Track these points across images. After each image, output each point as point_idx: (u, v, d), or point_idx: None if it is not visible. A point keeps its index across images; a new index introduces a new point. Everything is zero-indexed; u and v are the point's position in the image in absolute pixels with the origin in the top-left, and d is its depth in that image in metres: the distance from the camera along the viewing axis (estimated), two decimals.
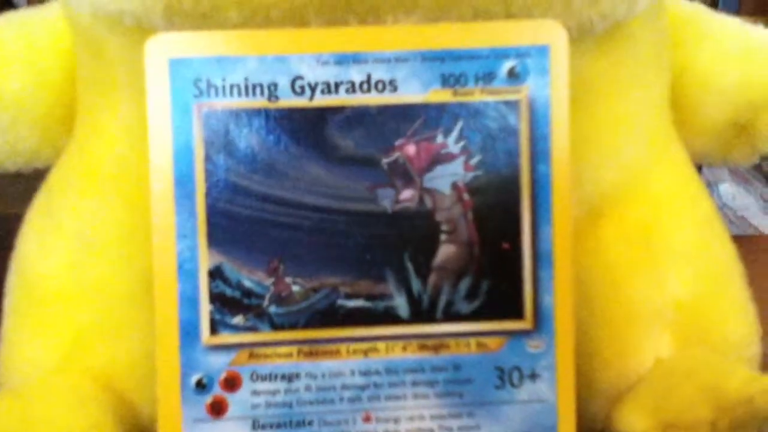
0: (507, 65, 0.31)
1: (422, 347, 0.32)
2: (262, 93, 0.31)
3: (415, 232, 0.32)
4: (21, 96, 0.36)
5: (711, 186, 0.98)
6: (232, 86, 0.31)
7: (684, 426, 0.31)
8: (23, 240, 0.36)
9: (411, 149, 0.31)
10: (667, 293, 0.35)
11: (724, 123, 0.39)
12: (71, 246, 0.35)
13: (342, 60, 0.31)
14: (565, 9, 0.30)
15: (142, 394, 0.34)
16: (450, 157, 0.32)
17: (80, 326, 0.34)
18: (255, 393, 0.32)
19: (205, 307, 0.32)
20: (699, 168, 0.41)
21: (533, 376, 0.32)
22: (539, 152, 0.32)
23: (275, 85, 0.31)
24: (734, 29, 0.40)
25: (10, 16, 0.38)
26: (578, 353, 0.32)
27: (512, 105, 0.32)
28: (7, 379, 0.35)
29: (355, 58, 0.31)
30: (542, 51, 0.31)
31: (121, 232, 0.34)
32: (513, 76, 0.31)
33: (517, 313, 0.32)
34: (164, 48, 0.31)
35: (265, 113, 0.31)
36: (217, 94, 0.31)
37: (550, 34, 0.31)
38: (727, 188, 0.97)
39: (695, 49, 0.39)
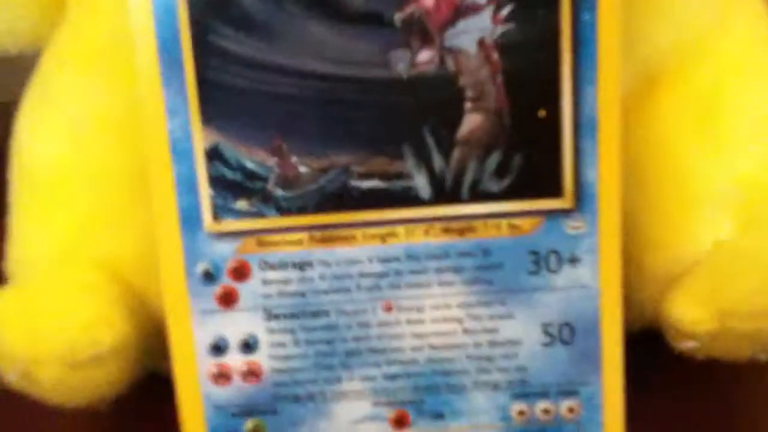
0: None
1: (446, 231, 0.26)
2: None
3: (435, 100, 0.25)
4: None
5: None
6: None
7: (744, 315, 0.26)
8: (20, 127, 0.32)
9: (429, 1, 0.25)
10: (730, 170, 0.29)
11: None
12: (69, 129, 0.31)
13: None
14: None
15: (150, 285, 0.29)
16: (475, 9, 0.25)
17: (83, 214, 0.30)
18: (266, 282, 0.27)
19: (205, 191, 0.26)
20: None
21: (573, 260, 0.26)
22: None
23: None
24: None
25: None
26: (626, 235, 0.26)
27: None
28: (15, 273, 0.32)
29: None
30: None
31: (119, 112, 0.29)
32: None
33: (555, 191, 0.26)
34: None
35: None
36: None
37: None
38: None
39: None
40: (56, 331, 0.27)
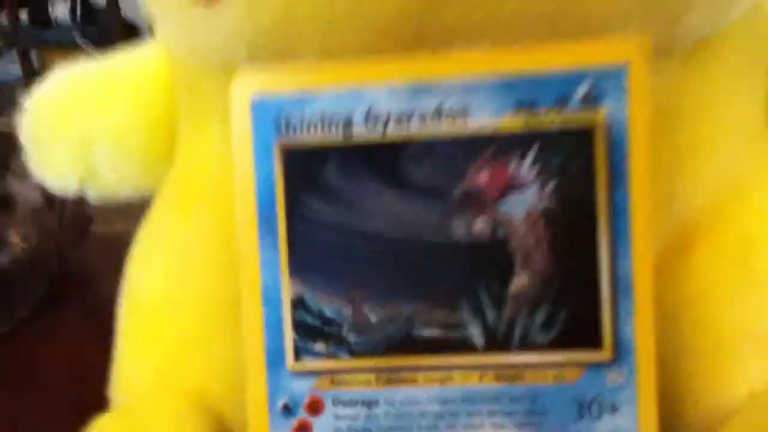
0: (582, 88, 0.28)
1: (499, 377, 0.29)
2: (337, 127, 0.30)
3: (489, 262, 0.29)
4: (128, 130, 0.37)
5: None
6: (309, 122, 0.30)
7: None
8: (131, 262, 0.37)
9: (483, 178, 0.29)
10: (764, 319, 0.30)
11: None
12: (171, 265, 0.35)
13: (414, 90, 0.29)
14: (647, 22, 0.27)
15: (232, 414, 0.33)
16: (524, 185, 0.29)
17: (179, 345, 0.34)
18: (337, 417, 0.31)
19: (288, 334, 0.30)
20: None
21: (614, 409, 0.29)
22: (617, 178, 0.28)
23: (350, 119, 0.30)
24: None
25: (117, 56, 0.39)
26: (663, 385, 0.28)
27: (587, 130, 0.28)
28: (117, 397, 0.35)
29: (427, 87, 0.29)
30: (620, 71, 0.28)
31: (217, 252, 0.34)
32: (588, 99, 0.28)
33: (596, 344, 0.29)
34: (247, 88, 0.30)
35: (341, 149, 0.30)
36: (296, 130, 0.30)
37: (630, 51, 0.28)
38: None
39: None
40: None
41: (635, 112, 0.28)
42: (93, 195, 0.39)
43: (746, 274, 0.31)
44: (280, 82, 0.30)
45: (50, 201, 0.52)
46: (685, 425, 0.31)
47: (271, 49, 0.30)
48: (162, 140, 0.37)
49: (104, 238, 0.44)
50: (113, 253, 0.38)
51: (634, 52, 0.27)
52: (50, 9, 1.31)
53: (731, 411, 0.30)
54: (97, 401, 0.35)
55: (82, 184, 0.39)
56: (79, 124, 0.37)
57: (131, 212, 0.38)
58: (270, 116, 0.30)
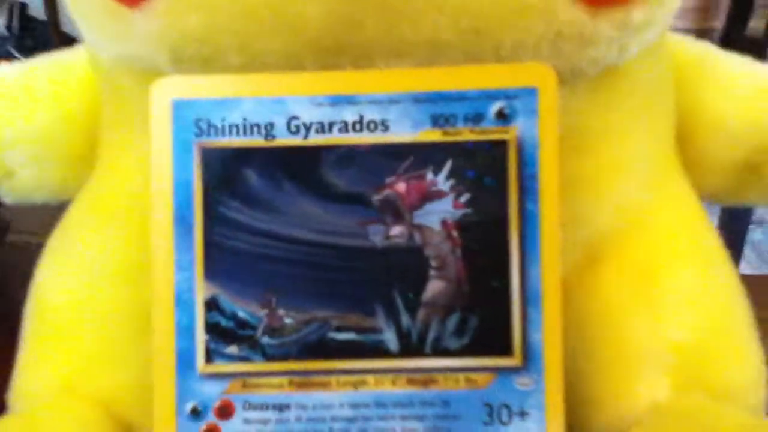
0: (495, 106, 0.30)
1: (411, 381, 0.31)
2: (259, 132, 0.30)
3: (404, 268, 0.31)
4: (47, 131, 0.37)
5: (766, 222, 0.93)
6: (231, 126, 0.30)
7: None
8: (40, 270, 0.36)
9: (401, 187, 0.30)
10: (665, 337, 0.32)
11: (735, 164, 0.37)
12: (83, 272, 0.35)
13: (336, 101, 0.30)
14: (553, 53, 0.29)
15: (142, 420, 0.33)
16: (440, 195, 0.31)
17: (86, 353, 0.34)
18: (247, 421, 0.31)
19: (200, 337, 0.31)
20: None
21: (522, 414, 0.30)
22: (527, 191, 0.30)
23: (272, 125, 0.30)
24: (743, 69, 0.37)
25: (41, 58, 0.38)
26: (572, 395, 0.30)
27: (500, 145, 0.30)
28: (16, 403, 0.35)
29: (349, 100, 0.30)
30: (530, 93, 0.30)
31: (129, 265, 0.34)
32: (501, 117, 0.30)
33: (506, 350, 0.30)
34: (168, 90, 0.30)
35: (262, 152, 0.30)
36: (216, 133, 0.30)
37: (539, 76, 0.30)
38: None
39: (702, 90, 0.36)
40: None
41: (545, 130, 0.30)
42: (9, 197, 0.39)
43: (647, 294, 0.33)
44: (202, 89, 0.31)
45: None
46: (593, 430, 0.32)
47: (194, 56, 0.30)
48: (81, 144, 0.37)
49: (17, 244, 0.43)
50: (26, 259, 0.37)
51: (543, 76, 0.30)
52: None
53: (635, 421, 0.32)
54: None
55: None
56: None
57: (47, 220, 0.38)
58: (190, 117, 0.31)
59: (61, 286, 0.35)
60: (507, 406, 0.30)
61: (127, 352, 0.33)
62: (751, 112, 0.35)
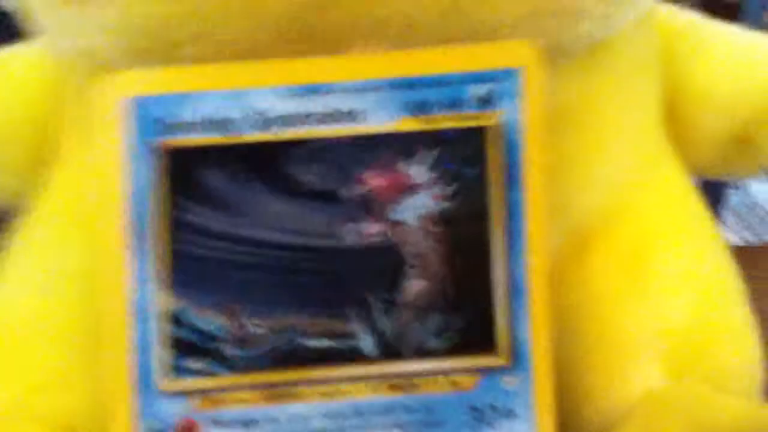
0: (475, 90, 0.29)
1: (391, 387, 0.29)
2: (221, 129, 0.28)
3: (380, 268, 0.29)
4: (3, 128, 0.35)
5: (742, 185, 0.95)
6: (189, 123, 0.28)
7: None
8: None
9: (376, 181, 0.29)
10: (658, 321, 0.32)
11: (724, 137, 0.36)
12: (40, 285, 0.33)
13: (303, 92, 0.28)
14: (535, 31, 0.27)
15: None
16: (418, 188, 0.29)
17: (39, 371, 0.32)
18: None
19: (159, 352, 0.29)
20: None
21: (510, 415, 0.29)
22: (511, 180, 0.29)
23: (234, 121, 0.28)
24: (731, 39, 0.37)
25: None
26: (562, 385, 0.29)
27: (482, 131, 0.29)
28: None
29: (317, 90, 0.28)
30: (513, 74, 0.28)
31: (82, 279, 0.32)
32: (482, 101, 0.29)
33: (491, 349, 0.29)
34: (118, 86, 0.28)
35: (224, 149, 0.28)
36: (173, 132, 0.28)
37: (521, 55, 0.28)
38: (760, 187, 0.95)
39: (690, 62, 0.36)
40: None
41: (530, 114, 0.29)
42: None
43: (637, 279, 0.33)
44: (159, 83, 0.28)
45: None
46: (583, 425, 0.32)
47: (153, 48, 0.28)
48: (41, 144, 0.35)
49: None
50: None
51: (528, 56, 0.28)
52: None
53: (628, 410, 0.31)
54: None
55: None
56: None
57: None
58: (146, 117, 0.28)
59: (9, 302, 0.33)
60: (493, 407, 0.29)
61: (83, 370, 0.32)
62: (740, 82, 0.35)
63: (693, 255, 0.33)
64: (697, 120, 0.36)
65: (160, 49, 0.27)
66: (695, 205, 0.34)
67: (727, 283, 0.34)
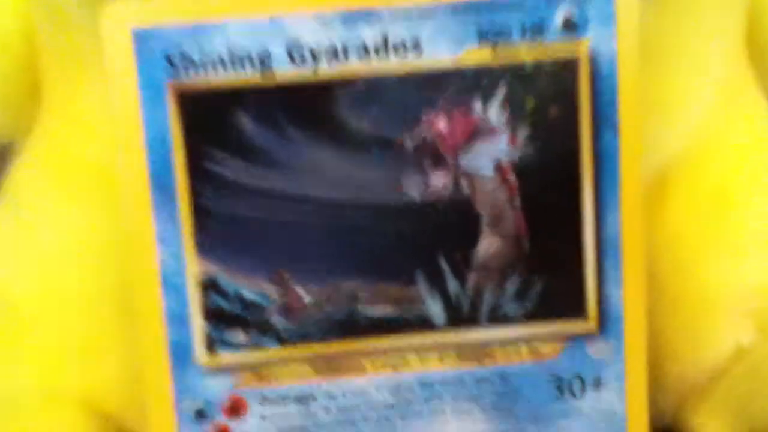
0: (561, 13, 0.26)
1: (462, 357, 0.28)
2: (252, 65, 0.26)
3: (449, 225, 0.27)
4: None
5: None
6: (213, 59, 0.26)
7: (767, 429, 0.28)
8: None
9: (442, 124, 0.26)
10: (746, 275, 0.31)
11: None
12: (46, 255, 0.31)
13: (351, 19, 0.25)
14: None
15: (132, 419, 0.31)
16: (492, 132, 0.27)
17: (59, 349, 0.31)
18: (263, 418, 0.28)
19: (198, 325, 0.27)
20: None
21: (598, 385, 0.28)
22: (604, 119, 0.26)
23: (268, 54, 0.26)
24: None
25: None
26: (648, 345, 0.28)
27: (569, 63, 0.26)
28: None
29: (368, 16, 0.25)
30: None
31: (103, 243, 0.30)
32: (569, 26, 0.26)
33: (579, 313, 0.28)
34: (126, 16, 0.25)
35: (257, 91, 0.26)
36: (195, 70, 0.26)
37: None
38: None
39: None
40: None
41: (624, 42, 0.26)
42: None
43: (723, 226, 0.31)
44: (171, 11, 0.25)
45: None
46: (667, 386, 0.31)
47: None
48: (20, 74, 0.33)
49: None
50: None
51: None
52: None
53: (717, 368, 0.30)
54: None
55: None
56: None
57: None
58: (159, 51, 0.26)
59: (22, 272, 0.31)
60: (580, 378, 0.28)
61: (107, 345, 0.30)
62: None
63: None
64: None
65: None
66: None
67: None
